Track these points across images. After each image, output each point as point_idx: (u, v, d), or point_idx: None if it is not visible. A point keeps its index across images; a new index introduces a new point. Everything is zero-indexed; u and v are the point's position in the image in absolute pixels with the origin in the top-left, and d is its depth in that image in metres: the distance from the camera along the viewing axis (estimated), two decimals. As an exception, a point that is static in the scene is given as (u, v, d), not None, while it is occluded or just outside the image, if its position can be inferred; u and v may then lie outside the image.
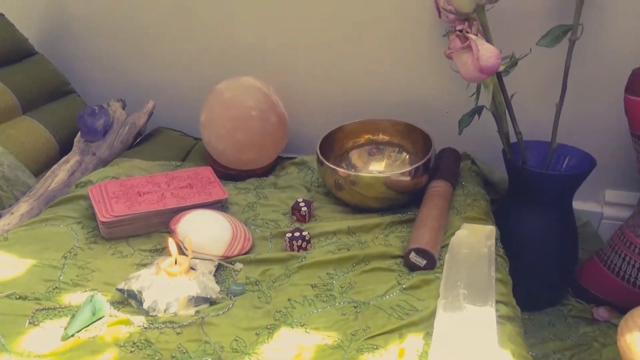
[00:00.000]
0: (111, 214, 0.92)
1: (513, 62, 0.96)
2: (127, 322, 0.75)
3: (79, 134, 1.21)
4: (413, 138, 1.13)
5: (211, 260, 0.87)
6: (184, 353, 0.71)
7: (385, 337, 0.73)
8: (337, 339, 0.73)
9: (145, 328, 0.74)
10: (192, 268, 0.82)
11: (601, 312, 1.12)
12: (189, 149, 1.29)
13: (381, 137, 1.17)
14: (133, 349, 0.71)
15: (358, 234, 0.97)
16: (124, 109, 1.29)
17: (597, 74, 1.08)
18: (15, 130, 1.16)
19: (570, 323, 1.13)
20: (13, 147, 1.12)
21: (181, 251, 0.86)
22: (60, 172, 1.12)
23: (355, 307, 0.79)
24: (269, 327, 0.76)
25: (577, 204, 1.25)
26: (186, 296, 0.77)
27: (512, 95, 1.01)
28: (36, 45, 1.31)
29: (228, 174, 1.18)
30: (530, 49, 0.95)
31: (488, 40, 0.94)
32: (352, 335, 0.74)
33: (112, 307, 0.78)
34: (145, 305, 0.77)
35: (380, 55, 1.19)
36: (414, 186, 1.02)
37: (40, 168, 1.17)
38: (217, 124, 1.13)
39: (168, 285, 0.78)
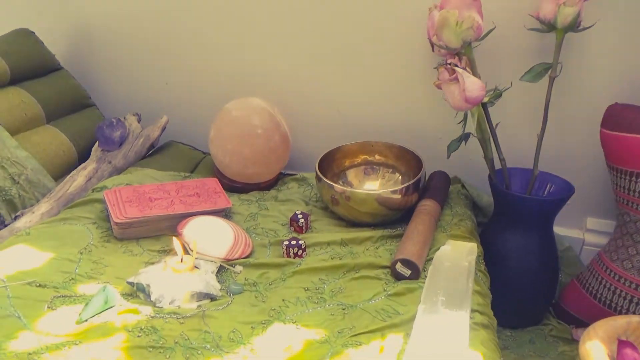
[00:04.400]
0: (125, 216, 1.01)
1: (497, 94, 1.05)
2: (136, 312, 0.82)
3: (97, 143, 1.31)
4: (405, 160, 1.22)
5: (214, 261, 0.95)
6: (186, 340, 0.78)
7: (369, 335, 0.80)
8: (324, 335, 0.81)
9: (151, 317, 0.82)
10: (196, 267, 0.90)
11: (580, 333, 1.17)
12: (198, 162, 1.38)
13: (376, 158, 1.26)
14: (140, 334, 0.78)
15: (350, 246, 1.04)
16: (139, 122, 1.39)
17: (577, 109, 1.17)
18: (40, 137, 1.26)
19: (550, 342, 1.19)
20: (37, 153, 1.22)
21: (186, 252, 0.94)
22: (78, 178, 1.21)
23: (343, 309, 0.87)
24: (263, 322, 0.83)
25: (561, 230, 1.32)
26: (190, 291, 0.85)
27: (496, 125, 1.09)
28: (62, 61, 1.42)
29: (233, 187, 1.27)
30: (512, 83, 1.04)
31: (474, 73, 1.04)
32: (339, 332, 0.81)
33: (122, 297, 0.86)
34: (152, 298, 0.84)
35: (378, 82, 1.28)
36: (404, 204, 1.10)
37: (60, 173, 1.26)
38: (224, 140, 1.22)
39: (174, 280, 0.85)
